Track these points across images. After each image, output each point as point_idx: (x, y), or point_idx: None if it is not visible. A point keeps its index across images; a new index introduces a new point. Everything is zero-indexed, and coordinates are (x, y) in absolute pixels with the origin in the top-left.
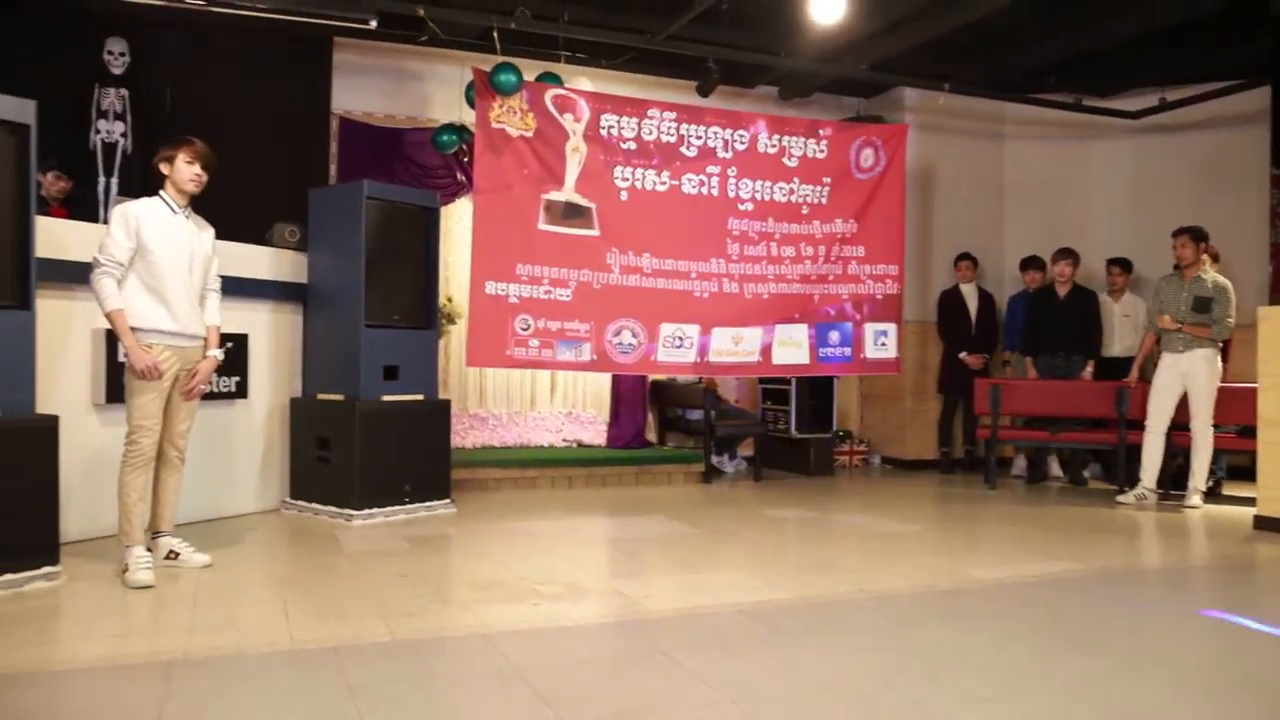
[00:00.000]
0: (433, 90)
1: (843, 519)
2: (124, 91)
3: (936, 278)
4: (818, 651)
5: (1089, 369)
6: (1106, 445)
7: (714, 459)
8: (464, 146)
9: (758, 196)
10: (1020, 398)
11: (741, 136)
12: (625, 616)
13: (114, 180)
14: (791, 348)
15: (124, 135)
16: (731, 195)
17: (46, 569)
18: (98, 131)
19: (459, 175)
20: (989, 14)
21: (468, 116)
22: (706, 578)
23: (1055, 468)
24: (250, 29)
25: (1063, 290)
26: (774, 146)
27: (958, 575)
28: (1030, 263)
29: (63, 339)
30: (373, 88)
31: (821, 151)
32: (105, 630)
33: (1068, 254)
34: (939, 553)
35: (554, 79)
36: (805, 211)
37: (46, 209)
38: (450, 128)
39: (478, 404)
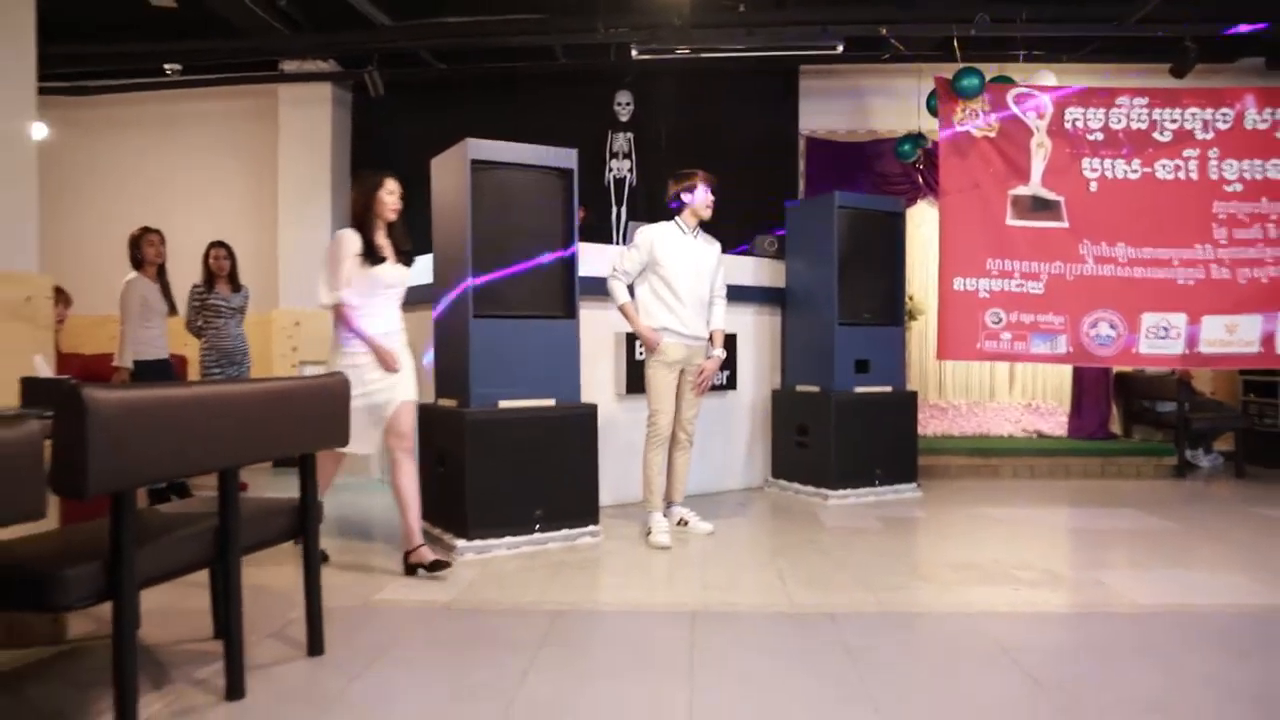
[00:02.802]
0: (889, 104)
1: None
2: (629, 135)
3: None
4: None
5: None
6: None
7: (1188, 453)
8: (921, 153)
9: (1246, 176)
10: None
11: (1225, 115)
12: (1111, 608)
13: (624, 209)
14: None
15: (630, 171)
16: (1214, 177)
17: (591, 527)
18: (610, 170)
19: (918, 180)
20: None
21: (924, 125)
22: (1197, 575)
23: None
24: (726, 69)
25: None
26: (1265, 121)
27: None
28: None
29: (595, 342)
30: (834, 109)
31: None
32: (637, 582)
33: None
34: None
35: (1008, 80)
36: None
37: None
38: (909, 137)
39: (937, 395)
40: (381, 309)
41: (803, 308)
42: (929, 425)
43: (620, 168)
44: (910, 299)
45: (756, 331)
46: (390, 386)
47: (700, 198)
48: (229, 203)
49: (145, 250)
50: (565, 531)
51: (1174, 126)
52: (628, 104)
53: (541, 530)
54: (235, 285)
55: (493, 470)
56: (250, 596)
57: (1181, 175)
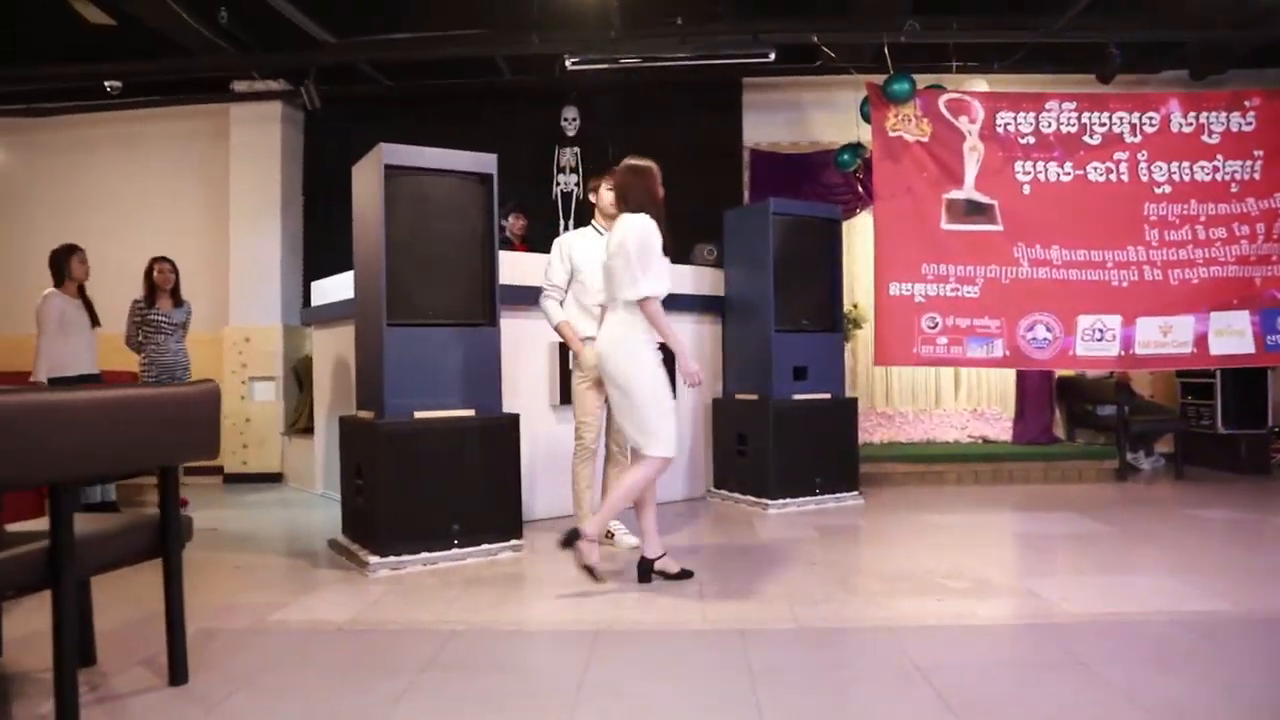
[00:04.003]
0: (830, 116)
1: None
2: (576, 149)
3: None
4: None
5: None
6: None
7: (1128, 456)
8: (862, 163)
9: (1175, 178)
10: None
11: (1151, 119)
12: (1037, 618)
13: (571, 223)
14: (1231, 337)
15: (576, 185)
16: (1144, 179)
17: (513, 542)
18: (558, 184)
19: (859, 189)
20: None
21: (864, 136)
22: (1129, 580)
23: None
24: (672, 83)
25: None
26: (1190, 125)
27: None
28: None
29: (529, 351)
30: (778, 121)
31: (1248, 124)
32: (549, 598)
33: None
34: None
35: (940, 87)
36: (1235, 189)
37: (511, 246)
38: (849, 147)
39: (884, 402)
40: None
41: (741, 316)
42: (875, 433)
43: (567, 182)
44: (854, 307)
45: (697, 340)
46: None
47: (605, 197)
48: (181, 221)
49: (75, 268)
50: (485, 546)
51: (1103, 130)
52: (574, 119)
53: (460, 545)
54: (178, 300)
55: (407, 484)
56: (134, 615)
57: (1113, 178)
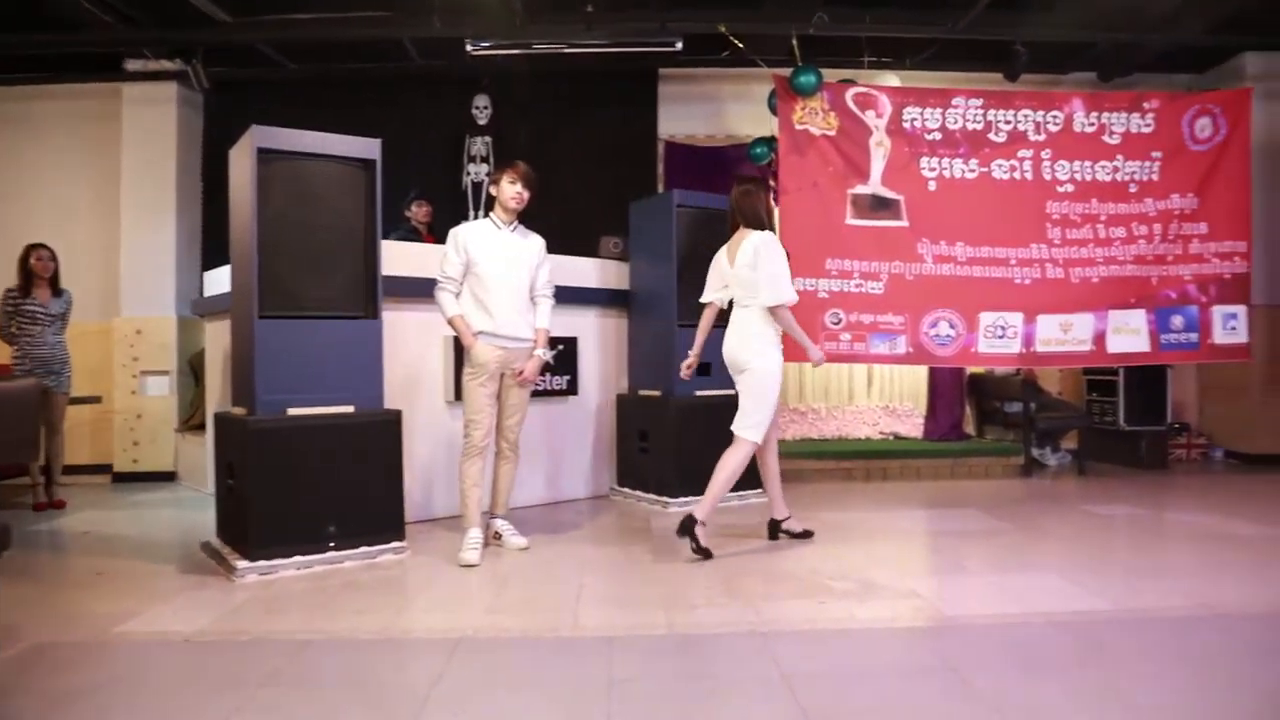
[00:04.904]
0: (745, 109)
1: (1179, 518)
2: (488, 138)
3: None
4: (1145, 680)
5: None
6: None
7: (1035, 452)
8: (775, 156)
9: (1077, 177)
10: None
11: (1055, 117)
12: (916, 621)
13: (481, 214)
14: (1128, 335)
15: (487, 175)
16: (1048, 178)
17: (394, 544)
18: (468, 174)
19: (772, 183)
20: None
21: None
22: (1016, 579)
23: None
24: (587, 73)
25: None
26: (1092, 125)
27: None
28: None
29: (422, 346)
30: (693, 113)
31: (1148, 125)
32: (421, 604)
33: None
34: None
35: (849, 81)
36: (1134, 190)
37: (418, 235)
38: (762, 140)
39: (797, 399)
40: None
41: (645, 310)
42: (789, 429)
43: (478, 171)
44: None
45: (601, 334)
46: None
47: (506, 190)
48: (70, 206)
49: None
50: (365, 549)
51: (1008, 127)
52: (485, 107)
53: (337, 548)
54: (56, 290)
55: (280, 483)
56: None
57: (1017, 175)
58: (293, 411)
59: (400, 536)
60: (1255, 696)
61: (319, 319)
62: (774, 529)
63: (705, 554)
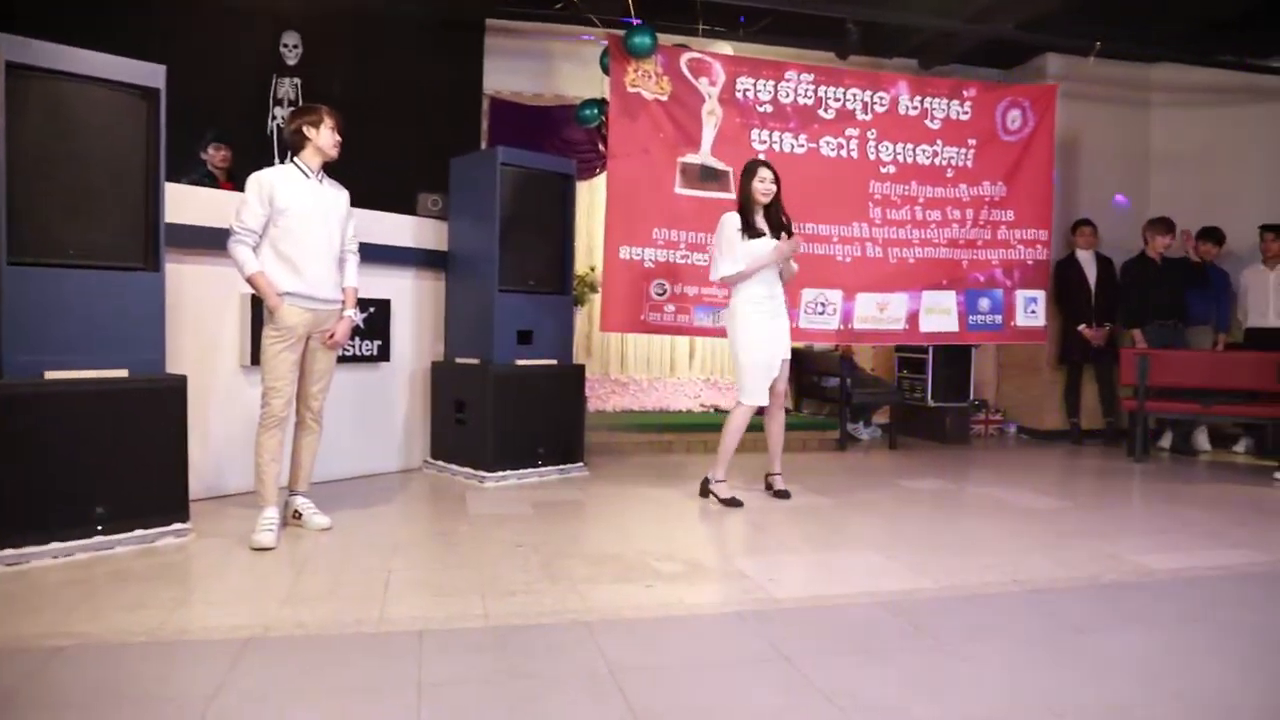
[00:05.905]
0: (576, 69)
1: (983, 491)
2: (297, 80)
3: None
4: (973, 663)
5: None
6: (1262, 419)
7: (849, 426)
8: (604, 120)
9: (900, 159)
10: (1170, 369)
11: (881, 98)
12: (746, 605)
13: (287, 160)
14: (940, 315)
15: None
16: (872, 158)
17: (176, 526)
18: (274, 118)
19: (602, 148)
20: None
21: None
22: (841, 558)
23: (1203, 441)
24: (410, 18)
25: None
26: (915, 108)
27: (1123, 564)
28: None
29: (214, 303)
30: (522, 69)
31: (966, 113)
32: (203, 596)
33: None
34: (1096, 535)
35: (684, 46)
36: (950, 175)
37: (215, 181)
38: (592, 102)
39: (619, 369)
40: (764, 276)
41: (464, 273)
42: (609, 400)
43: (285, 116)
44: (592, 270)
45: (417, 297)
46: (776, 341)
47: (327, 137)
48: None
49: None
50: (140, 532)
51: (837, 105)
52: (295, 46)
53: (106, 532)
54: None
55: (31, 458)
56: None
57: (844, 153)
58: (51, 375)
59: (184, 517)
60: (1077, 672)
61: (85, 268)
62: (704, 487)
63: (734, 503)
